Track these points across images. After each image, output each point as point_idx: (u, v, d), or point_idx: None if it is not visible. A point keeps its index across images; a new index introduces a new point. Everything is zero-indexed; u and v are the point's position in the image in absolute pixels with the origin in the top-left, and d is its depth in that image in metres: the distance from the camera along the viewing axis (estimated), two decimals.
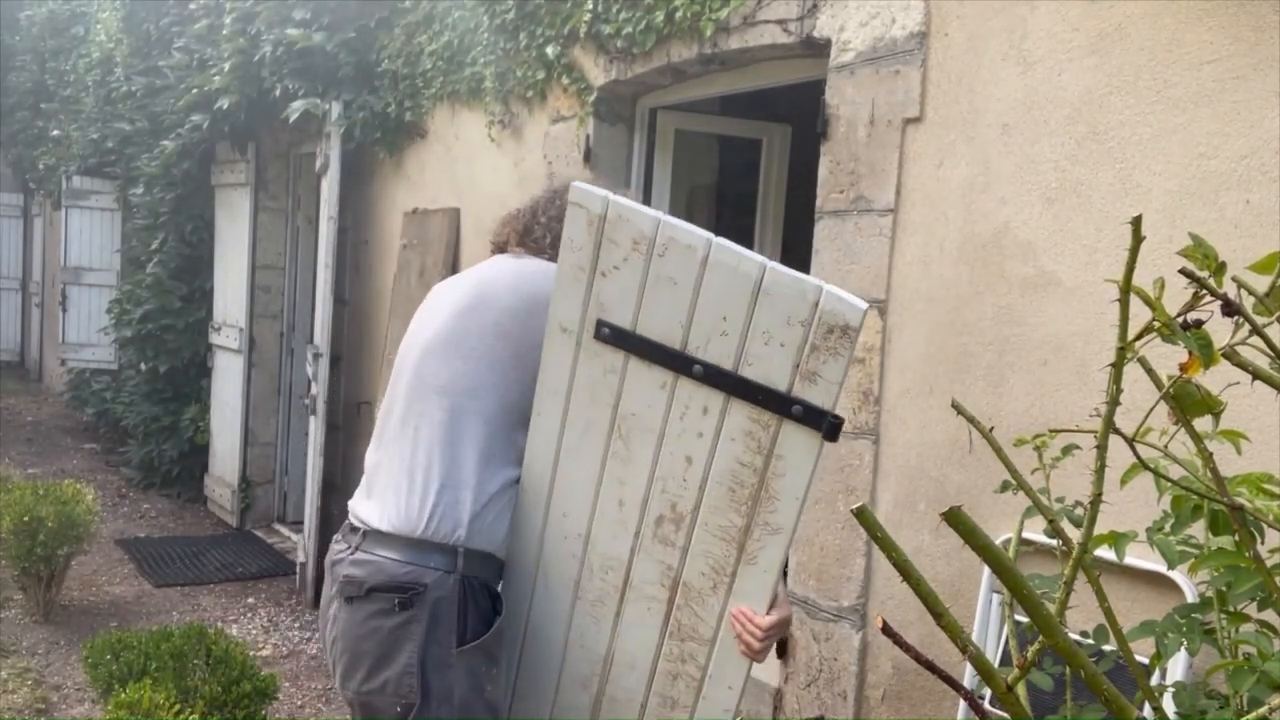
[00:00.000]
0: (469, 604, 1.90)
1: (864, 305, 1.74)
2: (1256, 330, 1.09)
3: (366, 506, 2.00)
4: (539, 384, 1.97)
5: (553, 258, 2.02)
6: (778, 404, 1.75)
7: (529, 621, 2.08)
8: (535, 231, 2.14)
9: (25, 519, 4.50)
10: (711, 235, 1.79)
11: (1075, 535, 1.21)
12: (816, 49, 2.98)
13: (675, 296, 1.79)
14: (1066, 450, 1.59)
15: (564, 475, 1.97)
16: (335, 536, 2.09)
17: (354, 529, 2.01)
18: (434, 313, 2.06)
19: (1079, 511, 1.66)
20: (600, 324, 1.85)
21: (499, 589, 2.02)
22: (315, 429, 5.27)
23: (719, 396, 1.79)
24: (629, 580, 1.96)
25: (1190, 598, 2.02)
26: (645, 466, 1.89)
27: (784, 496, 1.79)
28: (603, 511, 1.96)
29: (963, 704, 2.44)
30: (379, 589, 1.88)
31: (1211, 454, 1.25)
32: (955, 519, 0.89)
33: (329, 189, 5.20)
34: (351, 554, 1.96)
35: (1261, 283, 1.11)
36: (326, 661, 2.08)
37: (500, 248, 2.22)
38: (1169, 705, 1.56)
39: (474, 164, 4.61)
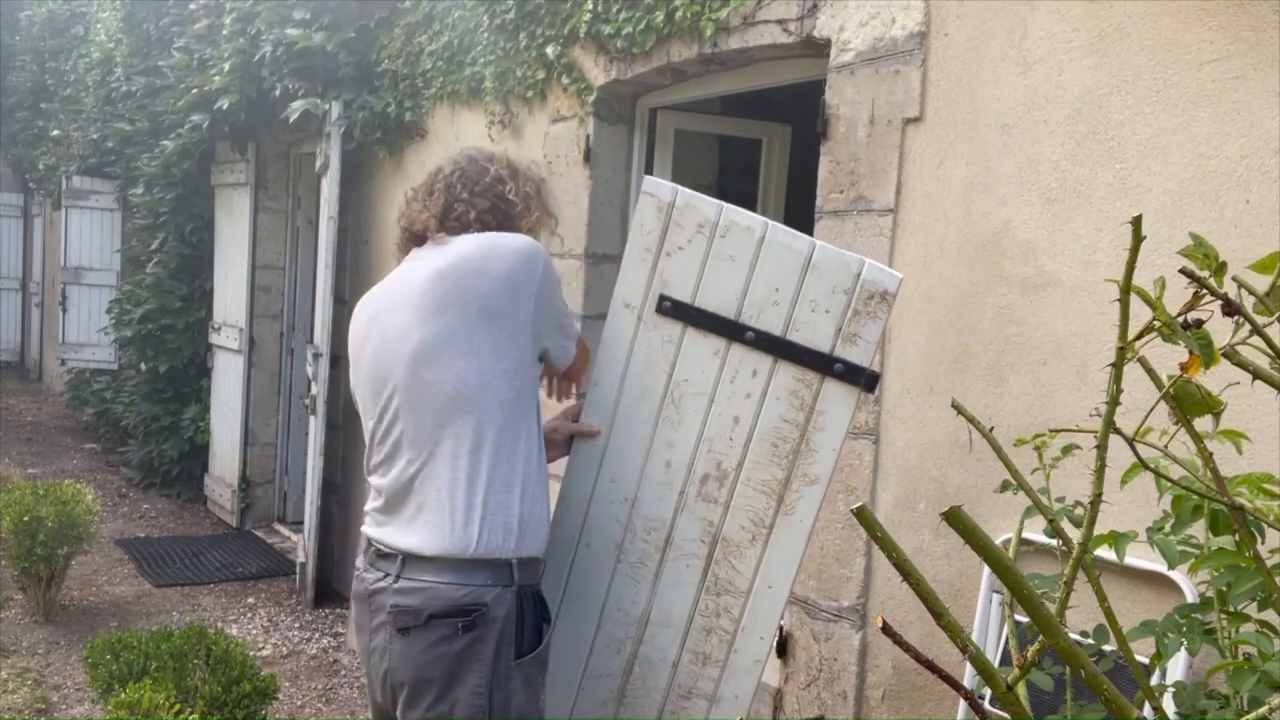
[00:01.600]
0: (525, 616, 1.89)
1: (900, 275, 1.98)
2: (1257, 330, 1.09)
3: (398, 532, 1.92)
4: (598, 358, 2.09)
5: (481, 228, 1.99)
6: (821, 363, 1.97)
7: (567, 585, 2.14)
8: (455, 210, 2.00)
9: (25, 519, 4.50)
10: (768, 219, 2.01)
11: (1075, 535, 1.21)
12: (816, 49, 2.98)
13: (733, 272, 2.00)
14: (1066, 450, 1.59)
15: (615, 442, 2.09)
16: (359, 564, 2.03)
17: (385, 555, 1.94)
18: (394, 326, 1.94)
19: (1079, 511, 1.66)
20: (662, 299, 2.03)
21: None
22: (315, 429, 5.27)
23: (768, 359, 1.99)
24: (670, 540, 2.09)
25: (1190, 598, 2.02)
26: (694, 428, 2.04)
27: (822, 449, 1.99)
28: (649, 474, 2.08)
29: (963, 704, 2.44)
30: (440, 615, 1.84)
31: (1212, 454, 1.25)
32: (955, 519, 0.89)
33: (329, 189, 5.20)
34: (395, 582, 1.89)
35: (1262, 282, 1.11)
36: (370, 689, 2.04)
37: (419, 236, 2.05)
38: (1169, 705, 1.56)
39: None
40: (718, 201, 2.02)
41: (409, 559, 1.89)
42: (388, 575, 1.91)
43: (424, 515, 1.89)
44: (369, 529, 2.02)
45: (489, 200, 2.01)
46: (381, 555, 1.95)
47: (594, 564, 2.12)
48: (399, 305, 1.95)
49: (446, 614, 1.83)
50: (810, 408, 1.98)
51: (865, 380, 1.97)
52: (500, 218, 2.02)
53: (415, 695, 1.87)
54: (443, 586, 1.84)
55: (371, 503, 2.04)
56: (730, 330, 1.99)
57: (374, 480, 2.03)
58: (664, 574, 2.10)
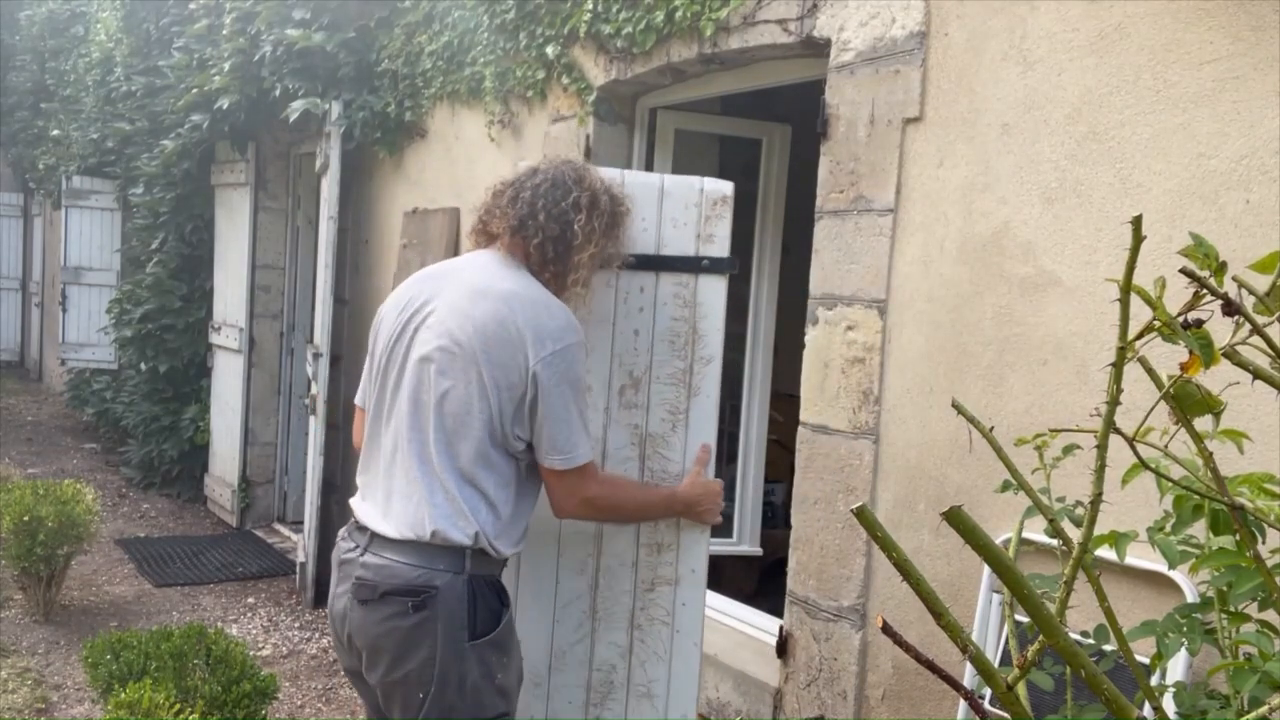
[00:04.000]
0: (478, 601, 1.99)
1: (731, 183, 2.38)
2: (1257, 330, 1.09)
3: (372, 511, 2.07)
4: None
5: (540, 265, 2.07)
6: (691, 265, 2.34)
7: (525, 529, 2.26)
8: (529, 229, 2.06)
9: (25, 519, 4.50)
10: (624, 170, 2.41)
11: (1075, 535, 1.21)
12: (816, 49, 2.98)
13: None
14: (1067, 450, 1.59)
15: None
16: (341, 533, 2.16)
17: (360, 528, 2.08)
18: (430, 312, 2.04)
19: (1079, 511, 1.66)
20: None
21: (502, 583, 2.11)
22: (315, 429, 5.27)
23: (650, 275, 2.32)
24: (605, 452, 2.35)
25: (1191, 598, 2.02)
26: (604, 350, 2.34)
27: (710, 332, 2.35)
28: None
29: (963, 704, 2.44)
30: (393, 593, 1.97)
31: (1212, 454, 1.25)
32: (955, 519, 0.89)
33: (329, 189, 5.20)
34: (361, 555, 2.03)
35: (1262, 282, 1.11)
36: (337, 648, 2.18)
37: (489, 235, 2.14)
38: (1169, 705, 1.56)
39: (474, 164, 4.61)
40: (582, 162, 2.36)
41: (376, 536, 2.03)
42: (357, 547, 2.05)
43: (393, 500, 2.02)
44: (354, 500, 2.17)
45: (557, 228, 2.06)
46: (358, 527, 2.10)
47: (544, 500, 2.25)
48: (443, 300, 2.05)
49: (399, 591, 1.96)
50: (692, 302, 2.33)
51: (726, 265, 2.35)
52: (560, 248, 2.07)
53: (372, 660, 2.02)
54: (399, 566, 1.98)
55: (359, 474, 2.19)
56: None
57: (364, 451, 2.17)
58: None
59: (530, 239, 2.06)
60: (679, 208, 2.33)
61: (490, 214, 2.14)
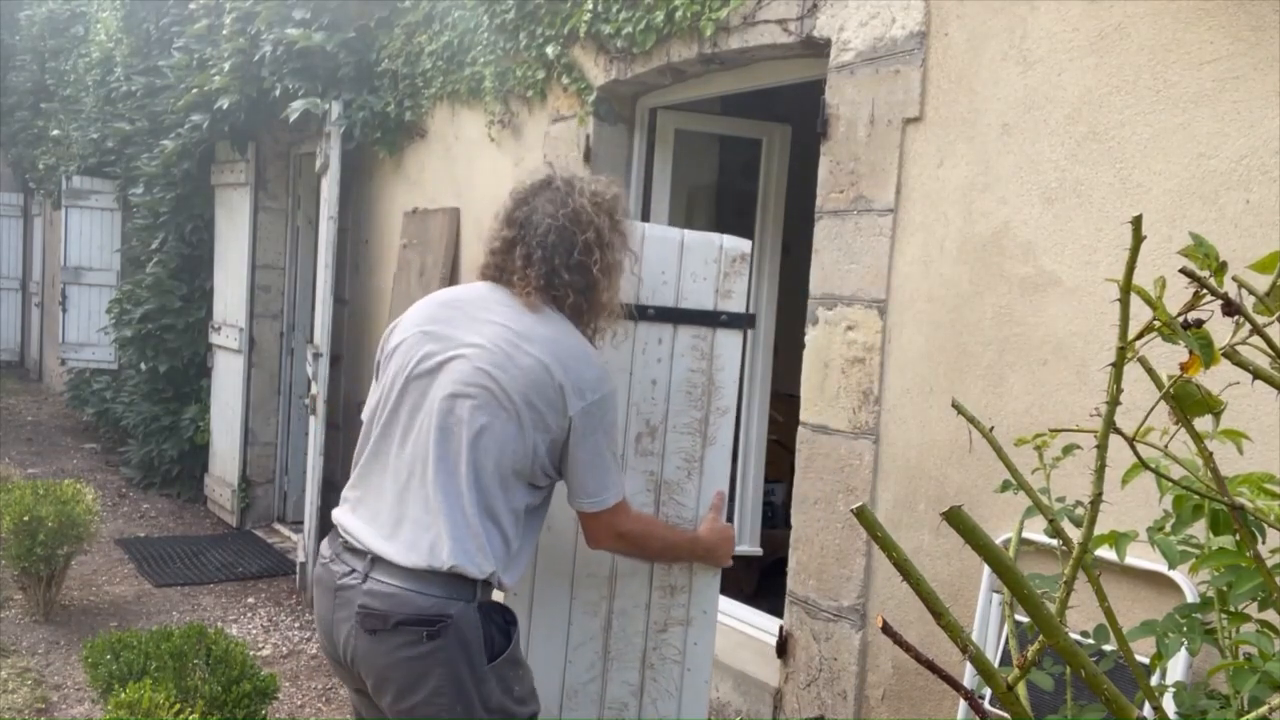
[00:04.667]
0: (491, 624, 2.00)
1: (750, 241, 2.46)
2: (1257, 330, 1.09)
3: (372, 534, 2.00)
4: None
5: (575, 315, 2.08)
6: (709, 319, 2.40)
7: (537, 571, 2.36)
8: (556, 286, 2.06)
9: (25, 519, 4.50)
10: (643, 223, 2.44)
11: (1075, 535, 1.21)
12: (816, 49, 2.98)
13: None
14: (1067, 450, 1.59)
15: None
16: (325, 551, 2.09)
17: (354, 550, 2.01)
18: (461, 344, 2.02)
19: (1079, 511, 1.66)
20: None
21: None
22: (315, 429, 5.27)
23: (668, 327, 2.38)
24: None
25: (1191, 598, 2.02)
26: (622, 399, 2.35)
27: (726, 384, 2.41)
28: None
29: (963, 704, 2.44)
30: (406, 622, 1.92)
31: (1212, 454, 1.25)
32: (955, 518, 0.89)
33: (329, 189, 5.20)
34: (364, 582, 1.96)
35: (1262, 282, 1.11)
36: (336, 669, 2.14)
37: (518, 289, 2.08)
38: (1169, 705, 1.56)
39: (474, 164, 4.61)
40: None
41: (379, 561, 1.96)
42: (354, 572, 1.98)
43: (405, 527, 1.96)
44: (342, 516, 2.08)
45: (583, 281, 2.07)
46: (350, 549, 2.02)
47: (557, 542, 2.36)
48: (490, 339, 2.01)
49: (412, 621, 1.91)
50: (709, 355, 2.39)
51: (744, 322, 2.42)
52: (590, 298, 2.09)
53: (379, 689, 1.99)
54: (411, 595, 1.92)
55: (350, 489, 2.10)
56: (633, 313, 2.34)
57: (360, 465, 2.10)
58: None
59: (563, 300, 2.07)
60: (698, 262, 2.38)
61: (503, 270, 2.11)
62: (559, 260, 2.04)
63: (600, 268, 2.07)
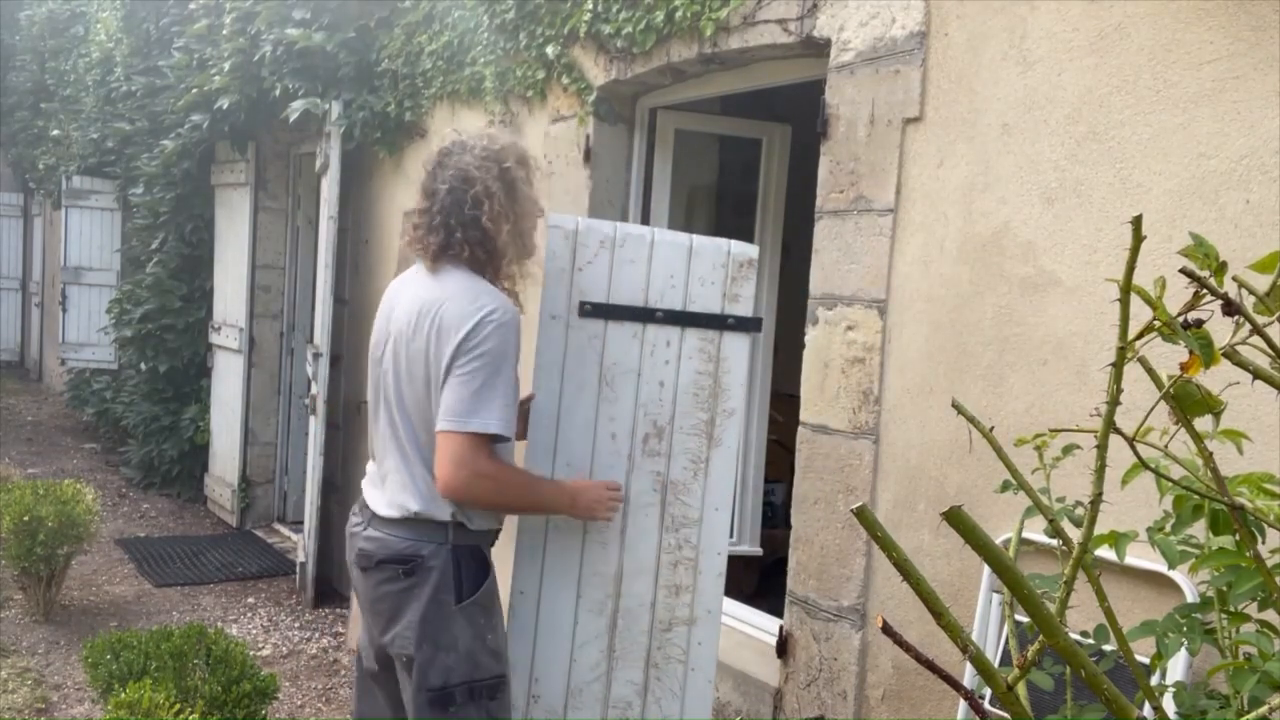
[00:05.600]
0: (462, 569, 2.25)
1: (757, 246, 2.54)
2: (1257, 330, 1.09)
3: (374, 493, 2.35)
4: (536, 363, 2.42)
5: (476, 266, 2.25)
6: (717, 322, 2.45)
7: (544, 566, 2.46)
8: (452, 245, 2.24)
9: (25, 519, 4.50)
10: (653, 228, 2.54)
11: (1075, 535, 1.21)
12: (816, 49, 2.98)
13: (635, 270, 2.46)
14: (1066, 450, 1.59)
15: (565, 434, 2.46)
16: (354, 508, 2.46)
17: (365, 506, 2.37)
18: (394, 318, 2.28)
19: (1079, 511, 1.66)
20: (583, 304, 2.44)
21: (489, 554, 2.35)
22: (315, 429, 5.26)
23: (676, 330, 2.43)
24: (628, 497, 2.46)
25: (1190, 598, 2.02)
26: (629, 400, 2.45)
27: (733, 386, 2.46)
28: (599, 450, 2.47)
29: (963, 704, 2.44)
30: (386, 560, 2.26)
31: (1212, 454, 1.25)
32: (955, 518, 0.89)
33: (329, 189, 5.20)
34: (364, 529, 2.34)
35: (1262, 282, 1.11)
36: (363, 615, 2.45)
37: (423, 258, 2.29)
38: (1169, 705, 1.56)
39: None
40: (612, 221, 2.60)
41: (374, 514, 2.32)
42: (361, 522, 2.36)
43: (387, 482, 2.31)
44: (364, 481, 2.45)
45: (476, 231, 2.25)
46: (365, 505, 2.38)
47: (564, 540, 2.46)
48: (404, 308, 2.28)
49: (390, 560, 2.25)
50: (716, 357, 2.44)
51: (752, 325, 2.47)
52: (482, 240, 2.26)
53: (373, 624, 2.35)
54: (391, 539, 2.27)
55: (369, 463, 2.46)
56: (642, 315, 2.43)
57: (370, 438, 2.43)
58: (628, 529, 2.47)
59: (460, 255, 2.24)
60: (706, 267, 2.44)
61: (416, 244, 2.29)
62: (454, 220, 2.24)
63: (489, 217, 2.23)
